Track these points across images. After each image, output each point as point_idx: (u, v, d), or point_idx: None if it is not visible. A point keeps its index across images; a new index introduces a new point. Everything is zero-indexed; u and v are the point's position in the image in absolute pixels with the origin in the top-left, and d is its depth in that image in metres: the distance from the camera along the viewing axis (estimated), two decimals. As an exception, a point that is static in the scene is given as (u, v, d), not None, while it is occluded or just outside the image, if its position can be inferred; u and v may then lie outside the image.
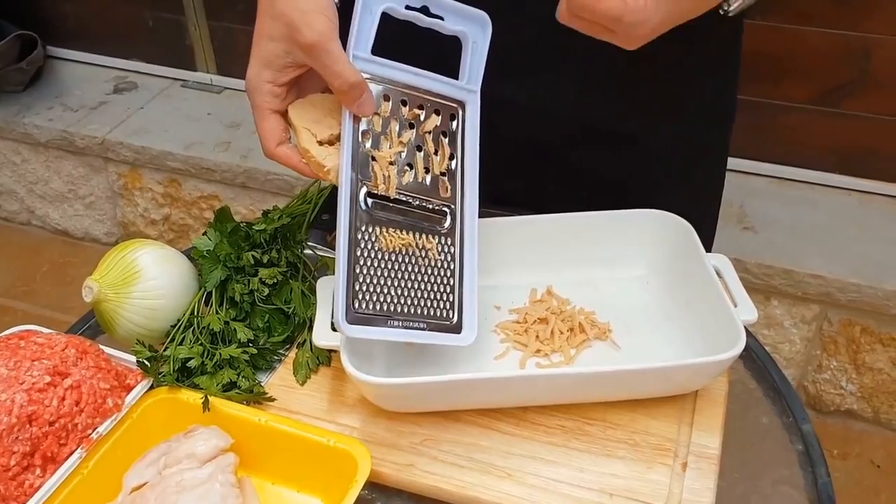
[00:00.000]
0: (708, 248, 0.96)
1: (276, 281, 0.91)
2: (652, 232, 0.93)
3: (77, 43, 2.66)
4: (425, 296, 0.81)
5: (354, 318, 0.77)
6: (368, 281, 0.78)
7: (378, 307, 0.78)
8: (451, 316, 0.82)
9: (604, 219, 0.94)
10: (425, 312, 0.81)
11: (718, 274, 0.87)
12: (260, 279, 0.91)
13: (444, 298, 0.82)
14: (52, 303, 2.46)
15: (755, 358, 0.90)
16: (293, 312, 0.91)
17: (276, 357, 0.89)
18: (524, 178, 1.04)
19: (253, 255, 0.92)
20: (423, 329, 0.80)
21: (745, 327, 0.79)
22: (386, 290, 0.78)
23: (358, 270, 0.77)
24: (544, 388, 0.78)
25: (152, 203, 2.45)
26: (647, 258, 0.94)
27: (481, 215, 0.86)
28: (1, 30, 2.49)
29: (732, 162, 1.98)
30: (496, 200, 0.97)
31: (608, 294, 0.93)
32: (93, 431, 0.75)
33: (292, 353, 0.89)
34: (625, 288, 0.94)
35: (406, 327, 0.79)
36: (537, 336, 0.88)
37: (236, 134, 2.33)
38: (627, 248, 0.94)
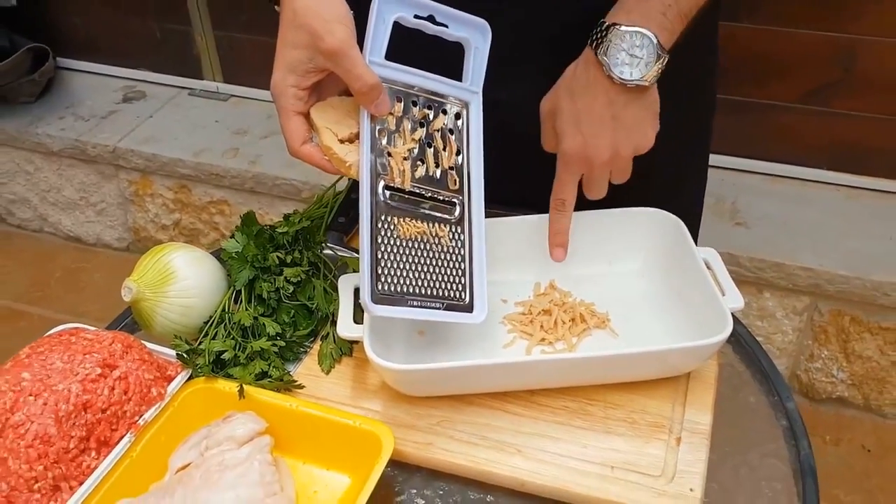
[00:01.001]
0: (693, 241, 1.02)
1: (299, 279, 0.99)
2: (646, 228, 1.00)
3: (87, 54, 2.73)
4: (439, 278, 0.88)
5: (378, 298, 0.84)
6: (389, 265, 0.85)
7: (398, 288, 0.86)
8: (463, 296, 0.90)
9: (601, 217, 1.01)
10: (440, 293, 0.88)
11: (708, 266, 0.94)
12: (285, 278, 0.98)
13: (457, 280, 0.90)
14: (67, 307, 2.53)
15: (744, 344, 0.97)
16: (316, 308, 0.98)
17: (302, 349, 0.96)
18: (522, 178, 1.07)
19: (277, 256, 0.99)
20: (438, 308, 0.88)
21: (733, 314, 0.86)
22: (405, 274, 0.86)
23: (380, 255, 0.85)
24: (549, 372, 0.85)
25: (163, 209, 2.51)
26: (642, 253, 1.01)
27: (487, 215, 0.94)
28: (13, 43, 2.56)
29: (725, 160, 2.12)
30: (500, 201, 1.03)
31: (606, 286, 1.00)
32: (139, 418, 0.82)
33: (317, 345, 0.96)
34: (622, 280, 1.01)
35: (424, 307, 0.87)
36: (542, 326, 0.95)
37: (244, 140, 2.40)
38: (624, 244, 1.01)
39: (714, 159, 1.99)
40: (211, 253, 1.04)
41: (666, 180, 1.08)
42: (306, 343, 0.97)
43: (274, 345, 0.93)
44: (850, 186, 2.08)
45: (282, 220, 1.06)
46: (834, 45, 1.92)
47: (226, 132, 2.45)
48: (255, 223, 1.03)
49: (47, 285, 2.63)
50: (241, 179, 2.32)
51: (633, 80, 0.85)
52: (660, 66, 0.86)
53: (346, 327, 0.89)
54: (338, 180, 1.15)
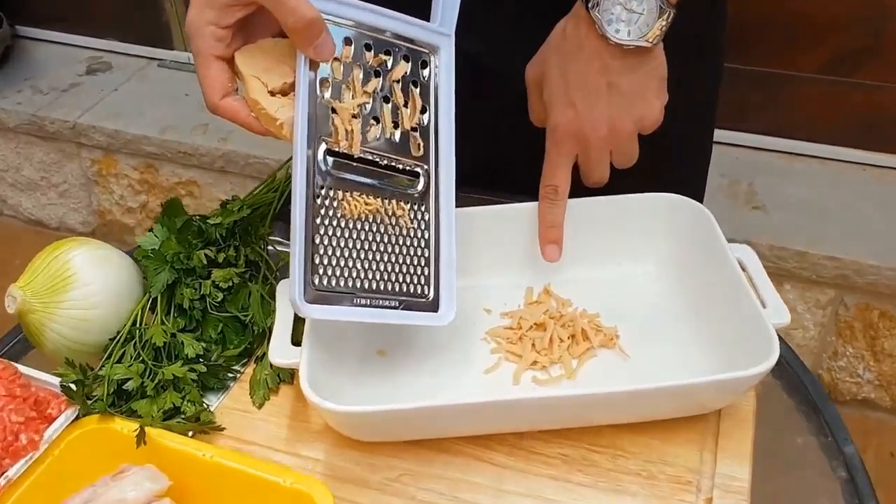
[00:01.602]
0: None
1: (231, 284, 0.80)
2: (664, 220, 0.83)
3: (48, 22, 2.54)
4: (397, 269, 0.72)
5: (315, 296, 0.67)
6: (330, 253, 0.69)
7: (342, 283, 0.69)
8: (426, 292, 0.74)
9: (608, 206, 0.83)
10: (397, 288, 0.72)
11: (742, 267, 0.76)
12: (213, 282, 0.79)
13: (419, 272, 0.74)
14: (27, 297, 2.34)
15: (785, 364, 0.78)
16: (251, 321, 0.79)
17: (230, 375, 0.77)
18: (507, 155, 0.95)
19: (206, 254, 0.81)
20: (395, 307, 0.72)
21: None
22: (351, 264, 0.70)
23: (318, 241, 0.68)
24: (542, 411, 0.66)
25: (128, 190, 2.34)
26: (659, 250, 0.83)
27: (465, 201, 0.78)
28: (-37, 9, 2.37)
29: (740, 137, 1.98)
30: (481, 183, 0.90)
31: (615, 293, 0.82)
32: (1, 476, 0.63)
33: (250, 369, 0.77)
34: (634, 286, 0.83)
35: (375, 306, 0.71)
36: (533, 345, 0.76)
37: (214, 115, 2.21)
38: (637, 240, 0.84)
39: (728, 136, 1.95)
40: (128, 252, 0.85)
41: (667, 160, 0.93)
42: (235, 367, 0.78)
43: (192, 370, 0.74)
44: (881, 166, 1.92)
45: (219, 207, 0.87)
46: (863, 8, 1.77)
47: (196, 106, 2.26)
48: (180, 212, 0.84)
49: (6, 274, 2.42)
50: (211, 158, 2.14)
51: (630, 41, 0.73)
52: (664, 22, 0.73)
53: (279, 350, 0.70)
54: (291, 158, 0.96)
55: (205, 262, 0.80)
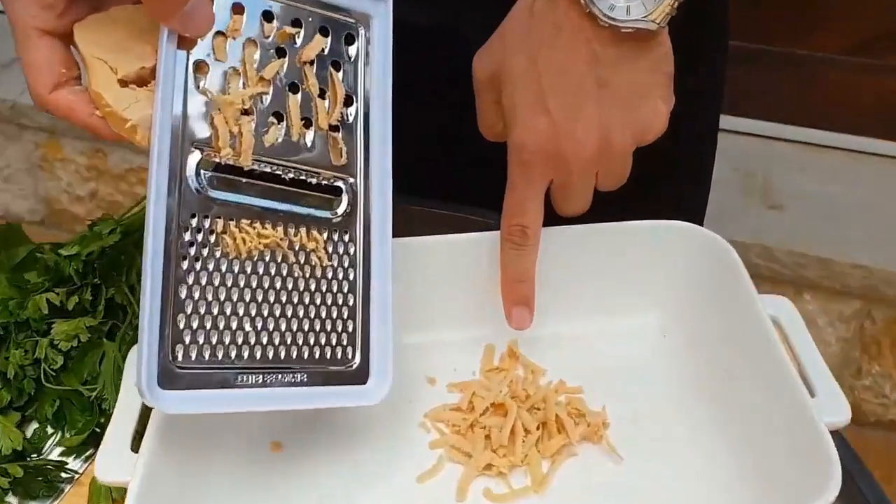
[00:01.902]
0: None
1: (77, 343, 0.60)
2: (672, 256, 0.64)
3: (-12, -11, 2.38)
4: (306, 327, 0.56)
5: (175, 377, 0.49)
6: (203, 311, 0.52)
7: (219, 354, 0.52)
8: (349, 356, 0.57)
9: (596, 236, 0.64)
10: (306, 354, 0.55)
11: (776, 325, 0.58)
12: (51, 340, 0.59)
13: (339, 328, 0.57)
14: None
15: (852, 478, 0.57)
16: (99, 395, 0.58)
17: (66, 475, 0.57)
18: (450, 152, 0.80)
19: (48, 299, 0.60)
20: (301, 383, 0.54)
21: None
22: (234, 325, 0.53)
23: (184, 294, 0.51)
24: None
25: (76, 176, 2.21)
26: (663, 298, 0.65)
27: (403, 226, 0.62)
28: None
29: (755, 125, 1.82)
30: (433, 194, 0.76)
31: (604, 358, 0.63)
32: None
33: (94, 468, 0.57)
34: (629, 347, 0.64)
35: (270, 384, 0.53)
36: (489, 436, 0.56)
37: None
38: (633, 282, 0.65)
39: (742, 124, 1.86)
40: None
41: (664, 157, 0.77)
42: (76, 461, 0.58)
43: (4, 473, 0.53)
44: (914, 160, 1.83)
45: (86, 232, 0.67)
46: (895, -17, 1.67)
47: (151, 82, 2.11)
48: (22, 241, 0.65)
49: (-54, 265, 2.28)
50: (164, 143, 1.97)
51: (629, 22, 0.57)
52: None
53: (111, 459, 0.50)
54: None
55: (45, 310, 0.60)
